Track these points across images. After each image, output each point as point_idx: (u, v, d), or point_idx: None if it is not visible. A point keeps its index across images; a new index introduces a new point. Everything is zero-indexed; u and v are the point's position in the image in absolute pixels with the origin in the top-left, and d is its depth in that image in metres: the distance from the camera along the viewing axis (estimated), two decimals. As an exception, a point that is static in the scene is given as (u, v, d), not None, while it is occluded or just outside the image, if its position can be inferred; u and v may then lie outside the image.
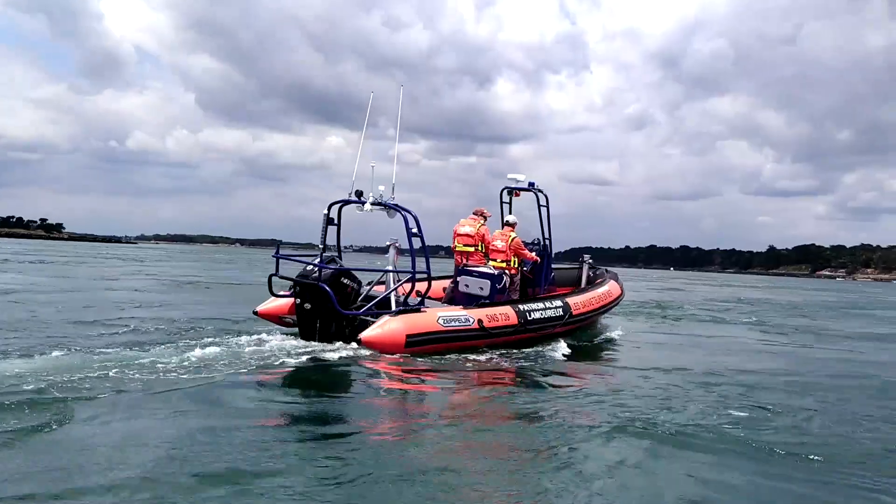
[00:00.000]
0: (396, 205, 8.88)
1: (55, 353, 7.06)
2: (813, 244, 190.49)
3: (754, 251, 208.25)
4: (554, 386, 7.38)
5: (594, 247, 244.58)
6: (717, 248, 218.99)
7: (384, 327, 8.22)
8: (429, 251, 9.09)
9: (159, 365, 6.64)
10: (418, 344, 8.37)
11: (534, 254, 11.24)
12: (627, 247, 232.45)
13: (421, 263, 8.92)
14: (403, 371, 7.60)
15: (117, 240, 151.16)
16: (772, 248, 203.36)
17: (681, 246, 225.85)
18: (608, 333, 12.04)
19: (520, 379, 7.81)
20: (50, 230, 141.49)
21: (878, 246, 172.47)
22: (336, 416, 5.57)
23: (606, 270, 13.54)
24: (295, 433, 4.95)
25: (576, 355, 9.60)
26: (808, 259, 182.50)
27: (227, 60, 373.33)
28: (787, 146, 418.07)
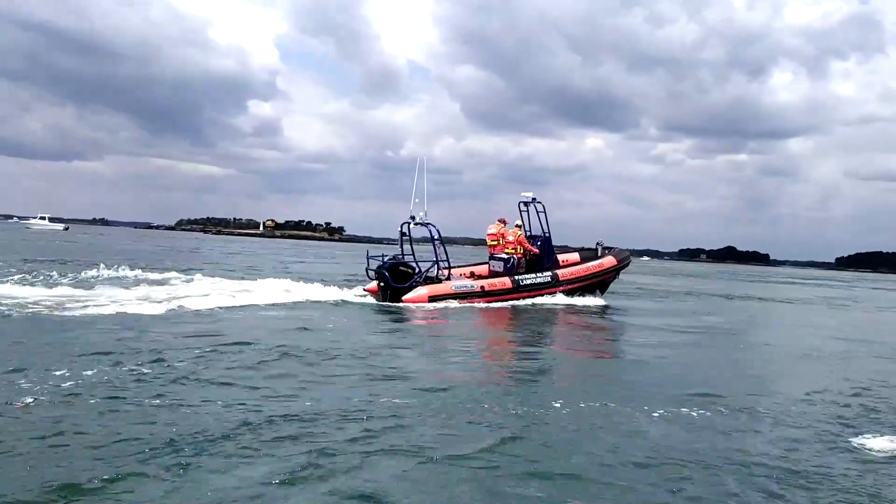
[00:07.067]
0: (428, 223, 15.45)
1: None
2: None
3: None
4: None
5: (885, 251, 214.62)
6: None
7: (415, 292, 14.77)
8: (446, 246, 15.46)
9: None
10: (437, 300, 14.78)
11: (534, 246, 16.90)
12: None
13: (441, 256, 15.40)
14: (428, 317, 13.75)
15: (391, 241, 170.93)
16: None
17: None
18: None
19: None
20: (332, 233, 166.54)
21: None
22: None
23: (612, 249, 18.26)
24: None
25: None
26: None
27: (489, 69, 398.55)
28: None
